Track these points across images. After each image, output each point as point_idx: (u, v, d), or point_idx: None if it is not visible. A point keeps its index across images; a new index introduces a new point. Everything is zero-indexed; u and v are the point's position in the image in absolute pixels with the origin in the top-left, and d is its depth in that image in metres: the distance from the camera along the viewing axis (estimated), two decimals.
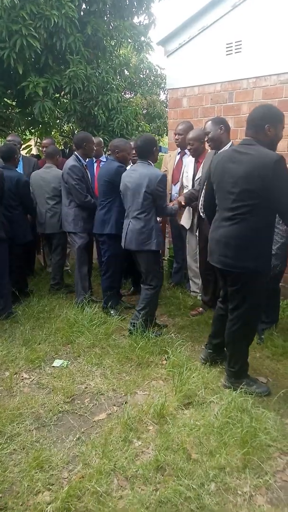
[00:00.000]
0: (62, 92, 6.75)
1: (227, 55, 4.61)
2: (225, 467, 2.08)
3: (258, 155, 2.39)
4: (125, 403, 2.66)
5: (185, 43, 4.97)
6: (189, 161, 4.17)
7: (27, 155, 7.34)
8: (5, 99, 6.41)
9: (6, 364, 3.13)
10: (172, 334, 3.58)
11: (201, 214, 3.77)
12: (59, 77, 6.02)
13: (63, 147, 9.70)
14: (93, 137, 4.31)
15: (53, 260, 4.71)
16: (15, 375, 2.99)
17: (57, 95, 6.91)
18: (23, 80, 5.72)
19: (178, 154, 4.56)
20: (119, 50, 9.01)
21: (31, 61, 5.87)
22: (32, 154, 8.35)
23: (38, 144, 8.36)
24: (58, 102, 6.89)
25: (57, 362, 3.17)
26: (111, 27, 6.92)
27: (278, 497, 1.94)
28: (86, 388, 2.84)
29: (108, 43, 7.04)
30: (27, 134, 8.20)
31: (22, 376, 2.99)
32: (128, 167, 3.85)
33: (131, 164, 4.08)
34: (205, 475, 2.03)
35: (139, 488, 1.98)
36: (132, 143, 4.03)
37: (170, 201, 4.17)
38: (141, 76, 15.59)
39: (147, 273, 3.52)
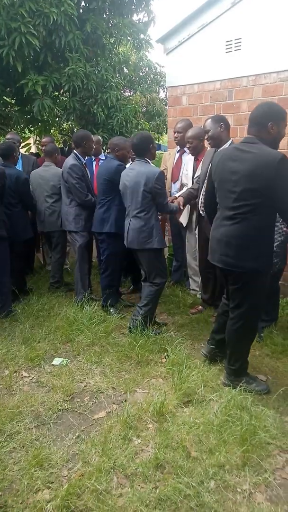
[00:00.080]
0: (61, 90, 6.73)
1: (226, 52, 4.60)
2: (224, 465, 2.08)
3: (261, 154, 2.37)
4: (125, 401, 2.66)
5: (185, 40, 4.96)
6: (188, 159, 4.17)
7: (26, 153, 7.32)
8: (4, 97, 6.39)
9: (6, 363, 3.13)
10: (172, 332, 3.58)
11: (200, 212, 3.77)
12: (58, 75, 6.01)
13: (62, 145, 9.67)
14: (92, 135, 4.30)
15: (53, 258, 4.71)
16: (14, 374, 3.00)
17: (56, 93, 6.90)
18: (22, 78, 5.71)
19: (178, 152, 4.55)
20: (119, 48, 8.98)
21: (30, 59, 5.85)
22: (31, 153, 8.32)
23: (37, 142, 8.34)
24: (57, 100, 6.88)
25: (56, 361, 3.17)
26: (110, 25, 6.90)
27: (277, 495, 1.94)
28: (85, 386, 2.84)
29: (107, 41, 7.02)
30: (26, 132, 8.19)
31: (22, 375, 2.99)
32: (127, 166, 3.84)
33: (131, 162, 4.08)
34: (205, 473, 2.04)
35: (139, 486, 1.98)
36: None
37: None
38: (141, 74, 15.55)
39: (150, 272, 3.51)
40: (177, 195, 3.98)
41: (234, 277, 2.60)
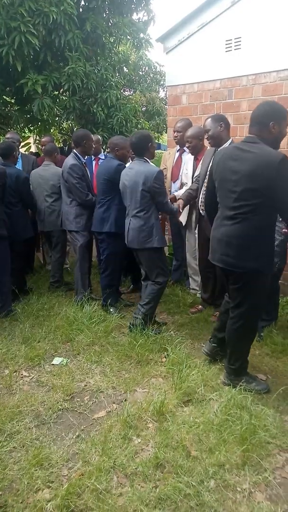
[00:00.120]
0: (61, 90, 6.72)
1: (226, 51, 4.59)
2: (224, 464, 2.08)
3: (262, 154, 2.36)
4: (125, 400, 2.66)
5: (185, 39, 4.96)
6: (188, 158, 4.17)
7: (26, 152, 7.32)
8: (4, 97, 6.38)
9: (6, 362, 3.13)
10: (172, 332, 3.58)
11: (200, 211, 3.77)
12: (58, 74, 6.00)
13: (62, 145, 9.67)
14: (92, 135, 4.29)
15: (53, 257, 4.71)
16: (14, 373, 3.00)
17: (56, 93, 6.89)
18: (22, 78, 5.70)
19: (178, 151, 4.55)
20: (118, 47, 8.96)
21: (29, 58, 5.84)
22: (31, 152, 8.33)
23: (37, 141, 8.34)
24: (57, 100, 6.87)
25: (56, 360, 3.17)
26: (110, 24, 6.89)
27: (277, 494, 1.95)
28: (85, 386, 2.84)
29: (107, 40, 7.01)
30: (26, 131, 8.18)
31: (22, 374, 3.00)
32: (127, 165, 3.84)
33: (130, 161, 4.07)
34: (205, 472, 2.04)
35: (139, 485, 1.98)
36: None
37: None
38: (140, 73, 15.55)
39: (151, 271, 3.50)
40: (176, 196, 3.98)
41: (234, 277, 2.60)
